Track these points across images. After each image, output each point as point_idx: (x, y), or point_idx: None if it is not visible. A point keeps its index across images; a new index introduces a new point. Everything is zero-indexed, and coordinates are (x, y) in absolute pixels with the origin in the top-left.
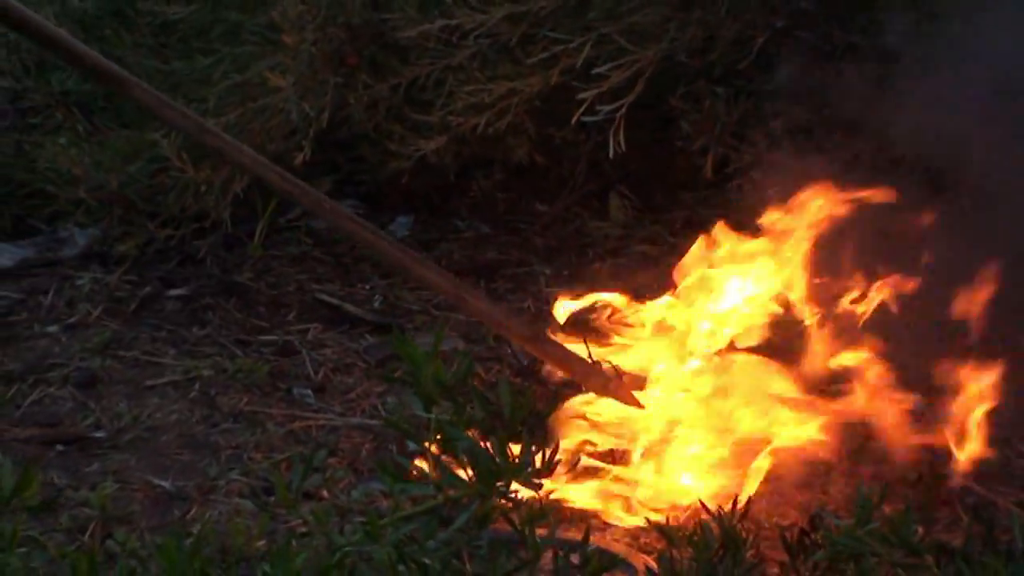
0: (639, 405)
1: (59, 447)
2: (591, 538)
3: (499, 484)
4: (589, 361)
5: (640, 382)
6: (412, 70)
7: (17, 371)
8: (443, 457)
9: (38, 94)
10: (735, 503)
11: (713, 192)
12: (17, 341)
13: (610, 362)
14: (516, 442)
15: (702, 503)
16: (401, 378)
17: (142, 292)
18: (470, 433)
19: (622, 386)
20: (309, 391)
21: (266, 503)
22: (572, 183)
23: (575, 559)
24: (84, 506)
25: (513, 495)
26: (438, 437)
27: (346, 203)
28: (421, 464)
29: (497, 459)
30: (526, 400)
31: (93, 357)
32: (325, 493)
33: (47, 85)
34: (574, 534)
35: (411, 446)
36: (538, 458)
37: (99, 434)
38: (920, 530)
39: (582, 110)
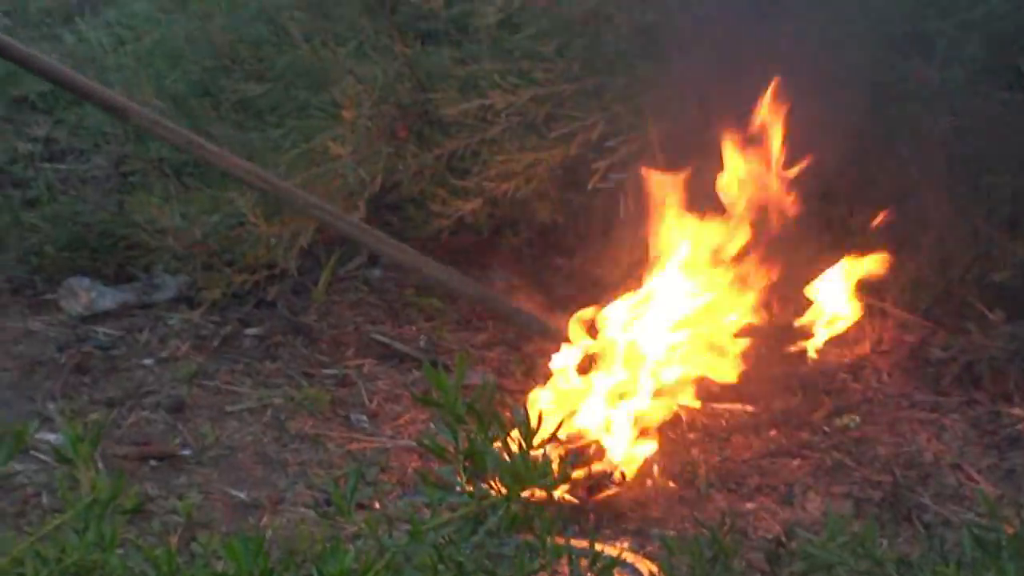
0: (568, 339)
1: (152, 462)
2: (601, 545)
3: (521, 491)
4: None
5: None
6: (453, 142)
7: (117, 397)
8: (473, 470)
9: (137, 160)
10: (724, 518)
11: None
12: (117, 372)
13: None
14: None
15: (695, 516)
16: (434, 403)
17: (223, 331)
18: (495, 448)
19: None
20: (364, 417)
21: (326, 512)
22: (588, 240)
23: (585, 562)
24: (172, 513)
25: (534, 501)
26: (468, 453)
27: None
28: (456, 478)
29: (519, 469)
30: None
31: (181, 386)
32: (376, 504)
33: (145, 152)
34: (586, 542)
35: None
36: (555, 467)
37: (186, 452)
38: (884, 544)
39: (597, 177)
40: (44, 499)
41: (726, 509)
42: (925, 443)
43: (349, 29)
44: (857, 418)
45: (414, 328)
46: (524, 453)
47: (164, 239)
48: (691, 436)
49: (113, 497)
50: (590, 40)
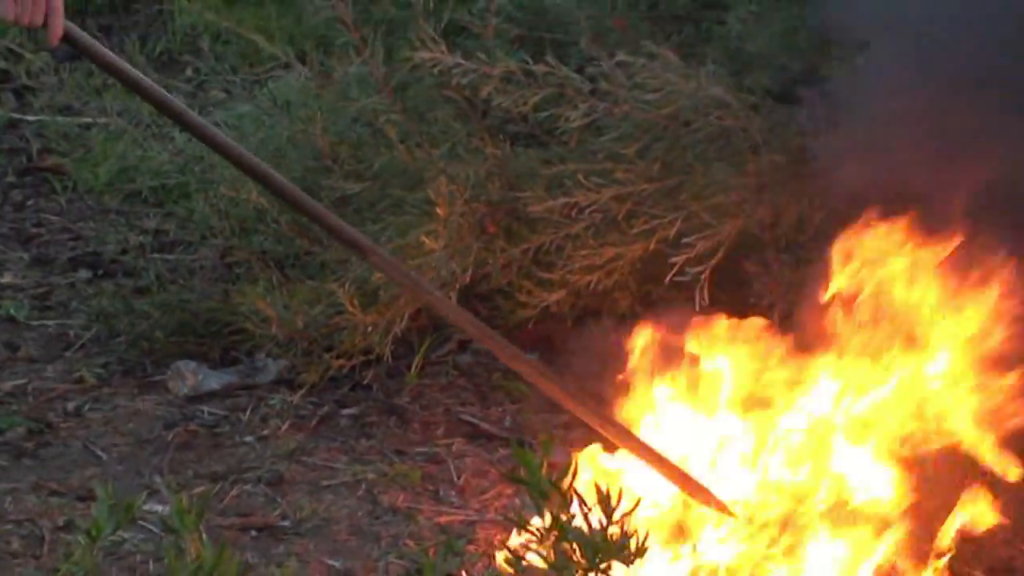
0: (731, 513)
1: (253, 533)
2: None
3: (601, 563)
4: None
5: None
6: (539, 237)
7: (220, 472)
8: (556, 543)
9: (242, 251)
10: None
11: None
12: (221, 448)
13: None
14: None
15: None
16: (521, 480)
17: (321, 411)
18: (575, 522)
19: (714, 498)
20: (453, 492)
21: None
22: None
23: None
24: None
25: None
26: (551, 526)
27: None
28: (539, 549)
29: (599, 543)
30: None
31: (281, 462)
32: (463, 573)
33: (249, 244)
34: None
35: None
36: (632, 542)
37: (285, 523)
38: None
39: (674, 272)
40: (151, 567)
41: None
42: None
43: (443, 132)
44: None
45: (501, 409)
46: (603, 528)
47: (267, 327)
48: None
49: (216, 565)
50: (669, 143)
